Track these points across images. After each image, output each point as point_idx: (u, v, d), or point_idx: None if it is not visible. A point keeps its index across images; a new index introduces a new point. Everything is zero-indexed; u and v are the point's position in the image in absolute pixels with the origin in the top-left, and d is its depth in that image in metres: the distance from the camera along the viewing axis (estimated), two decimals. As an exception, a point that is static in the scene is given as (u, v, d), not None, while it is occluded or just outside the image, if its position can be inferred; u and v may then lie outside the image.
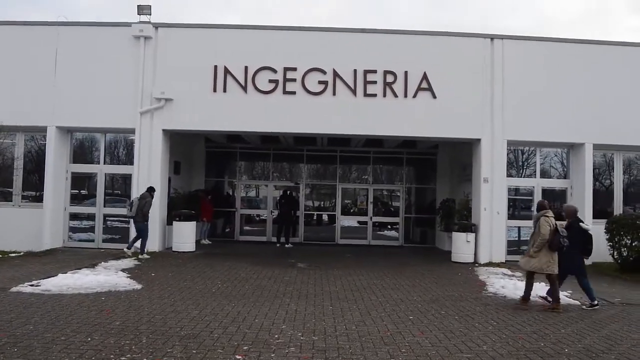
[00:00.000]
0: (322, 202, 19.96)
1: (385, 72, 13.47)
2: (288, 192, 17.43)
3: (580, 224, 8.43)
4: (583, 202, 13.60)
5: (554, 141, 13.97)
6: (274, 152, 18.73)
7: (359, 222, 19.05)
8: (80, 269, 10.39)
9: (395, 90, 13.46)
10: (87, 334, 6.02)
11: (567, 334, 6.66)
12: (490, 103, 13.52)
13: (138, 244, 12.61)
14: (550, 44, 13.92)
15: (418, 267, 12.47)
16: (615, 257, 12.39)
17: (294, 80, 13.45)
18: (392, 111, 13.47)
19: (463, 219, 14.51)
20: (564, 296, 9.07)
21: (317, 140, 17.47)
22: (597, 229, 12.84)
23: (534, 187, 14.49)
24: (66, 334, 5.97)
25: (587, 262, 13.14)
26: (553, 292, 8.29)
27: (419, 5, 75.02)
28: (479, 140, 13.62)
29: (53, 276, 9.45)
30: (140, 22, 13.50)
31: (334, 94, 13.44)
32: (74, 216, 14.33)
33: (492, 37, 13.76)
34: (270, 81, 13.45)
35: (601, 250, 12.68)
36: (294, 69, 13.45)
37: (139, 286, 9.04)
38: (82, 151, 14.88)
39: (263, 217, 18.99)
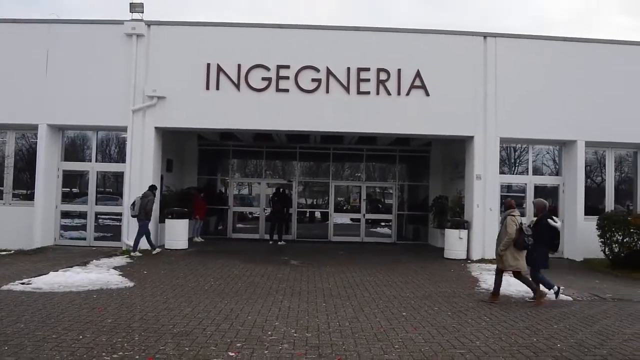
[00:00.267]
0: (315, 200, 19.94)
1: (379, 70, 13.47)
2: (281, 189, 17.42)
3: (549, 220, 8.52)
4: (575, 199, 13.72)
5: (547, 138, 14.04)
6: (267, 149, 18.71)
7: (351, 219, 19.06)
8: (71, 267, 10.32)
9: (389, 88, 13.47)
10: (79, 332, 5.97)
11: (559, 330, 6.69)
12: (484, 101, 13.55)
13: (147, 240, 12.69)
14: (543, 42, 13.98)
15: (411, 264, 12.49)
16: (607, 253, 12.50)
17: (287, 78, 13.41)
18: (386, 109, 13.47)
19: (456, 215, 14.55)
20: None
21: (310, 137, 17.46)
22: (588, 226, 13.05)
23: (526, 184, 14.58)
24: (57, 332, 5.92)
25: (579, 258, 13.42)
26: (529, 285, 8.49)
27: (419, 6, 75.15)
28: (471, 137, 13.65)
29: (44, 274, 9.37)
30: (133, 19, 13.41)
31: (327, 91, 13.43)
32: (65, 214, 14.24)
33: (485, 36, 13.79)
34: (264, 79, 13.42)
35: (593, 246, 12.82)
36: (287, 67, 13.42)
37: (131, 284, 9.00)
38: (73, 149, 14.78)
39: (256, 215, 18.96)
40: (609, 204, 14.53)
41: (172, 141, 15.77)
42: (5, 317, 6.51)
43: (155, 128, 13.46)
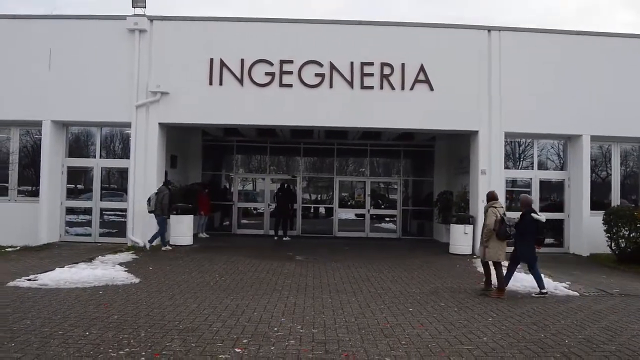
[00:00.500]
0: (320, 195, 19.91)
1: (382, 64, 13.38)
2: (285, 185, 17.39)
3: (532, 214, 8.52)
4: (581, 193, 13.64)
5: (552, 133, 13.92)
6: (271, 145, 18.68)
7: (356, 214, 19.01)
8: (77, 263, 10.35)
9: (392, 82, 13.39)
10: (85, 328, 5.98)
11: (567, 325, 6.66)
12: (488, 95, 13.46)
13: (161, 237, 12.88)
14: (548, 35, 13.84)
15: (416, 259, 12.46)
16: (613, 248, 12.42)
17: (290, 73, 13.35)
18: (390, 103, 13.39)
19: (461, 211, 14.51)
20: (563, 287, 9.11)
21: (314, 133, 17.39)
22: (594, 221, 12.98)
23: (531, 178, 14.49)
24: (64, 329, 5.93)
25: (585, 253, 13.37)
26: (499, 279, 8.53)
27: (421, 3, 74.74)
28: (476, 132, 13.57)
29: (50, 270, 9.39)
30: (135, 15, 13.33)
31: (331, 86, 13.36)
32: (70, 210, 14.26)
33: (490, 29, 13.69)
34: (267, 74, 13.35)
35: (599, 241, 12.76)
36: (291, 62, 13.35)
37: (136, 280, 9.00)
38: (77, 145, 14.76)
39: (260, 211, 18.94)
40: (615, 198, 14.43)
41: (176, 137, 15.76)
42: (12, 314, 6.52)
43: (159, 124, 13.42)
